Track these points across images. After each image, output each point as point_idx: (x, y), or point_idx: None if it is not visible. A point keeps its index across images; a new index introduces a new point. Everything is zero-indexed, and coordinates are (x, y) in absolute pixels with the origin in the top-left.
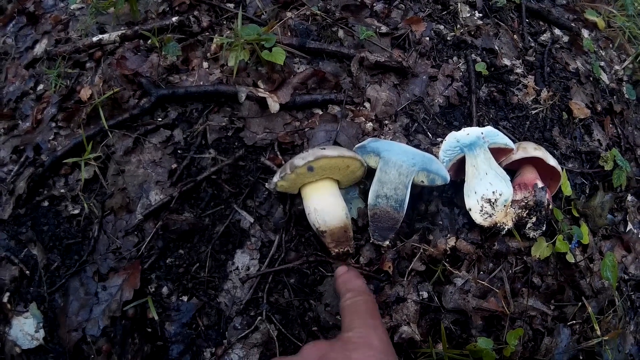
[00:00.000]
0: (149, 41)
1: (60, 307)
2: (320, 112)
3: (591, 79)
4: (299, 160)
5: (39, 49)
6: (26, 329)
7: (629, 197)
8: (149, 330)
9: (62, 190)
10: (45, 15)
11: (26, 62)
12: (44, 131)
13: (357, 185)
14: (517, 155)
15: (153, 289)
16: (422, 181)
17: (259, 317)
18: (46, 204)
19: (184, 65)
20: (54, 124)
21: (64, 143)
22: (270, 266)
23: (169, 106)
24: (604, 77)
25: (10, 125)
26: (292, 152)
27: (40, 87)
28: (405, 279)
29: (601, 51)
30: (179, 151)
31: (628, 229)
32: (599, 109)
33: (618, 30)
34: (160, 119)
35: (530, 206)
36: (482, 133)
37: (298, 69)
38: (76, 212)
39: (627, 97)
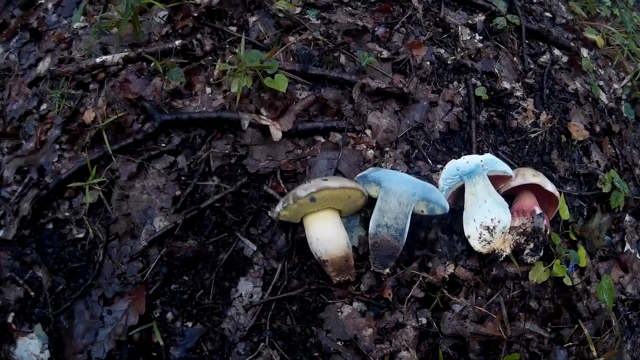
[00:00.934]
0: (152, 64)
1: (65, 329)
2: (322, 140)
3: (590, 99)
4: (302, 191)
5: (42, 67)
6: (31, 349)
7: (627, 217)
8: (154, 354)
9: (67, 214)
10: (48, 32)
11: (29, 81)
12: (48, 153)
13: (359, 214)
14: (516, 182)
15: (158, 314)
16: (422, 210)
17: (262, 343)
18: (50, 226)
19: (187, 90)
20: (57, 146)
21: (68, 166)
22: (273, 294)
23: (172, 131)
24: (603, 96)
25: (14, 145)
26: (294, 180)
27: (44, 106)
28: (404, 305)
29: (600, 70)
30: (182, 177)
31: (626, 249)
32: (598, 129)
33: (617, 48)
34: (163, 145)
35: (528, 232)
36: (481, 161)
37: (300, 95)
38: (81, 235)
39: (625, 116)
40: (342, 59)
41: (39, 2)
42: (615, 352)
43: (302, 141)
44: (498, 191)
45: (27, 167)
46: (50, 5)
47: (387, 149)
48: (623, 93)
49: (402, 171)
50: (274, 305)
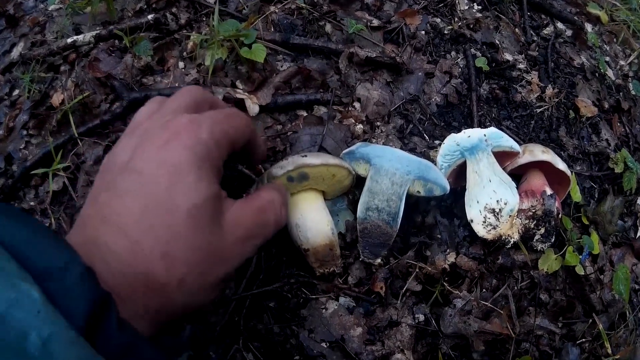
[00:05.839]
0: (124, 41)
1: None
2: (305, 114)
3: (597, 74)
4: (278, 169)
5: (16, 52)
6: None
7: (639, 201)
8: None
9: (32, 203)
10: (24, 18)
11: (3, 67)
12: (16, 139)
13: (346, 196)
14: (524, 159)
15: None
16: (419, 191)
17: (236, 346)
18: None
19: (160, 66)
20: (25, 132)
21: (35, 152)
22: (247, 289)
23: None
24: (610, 72)
25: None
26: (273, 158)
27: (15, 92)
28: (399, 300)
29: (605, 46)
30: None
31: (638, 234)
32: (606, 106)
33: (622, 25)
34: None
35: (538, 216)
36: (484, 135)
37: (281, 66)
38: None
39: (633, 93)
40: (328, 27)
41: None
42: (631, 348)
43: (283, 116)
44: (503, 170)
45: None
46: None
47: (378, 123)
48: (630, 70)
49: (395, 147)
50: (248, 302)
